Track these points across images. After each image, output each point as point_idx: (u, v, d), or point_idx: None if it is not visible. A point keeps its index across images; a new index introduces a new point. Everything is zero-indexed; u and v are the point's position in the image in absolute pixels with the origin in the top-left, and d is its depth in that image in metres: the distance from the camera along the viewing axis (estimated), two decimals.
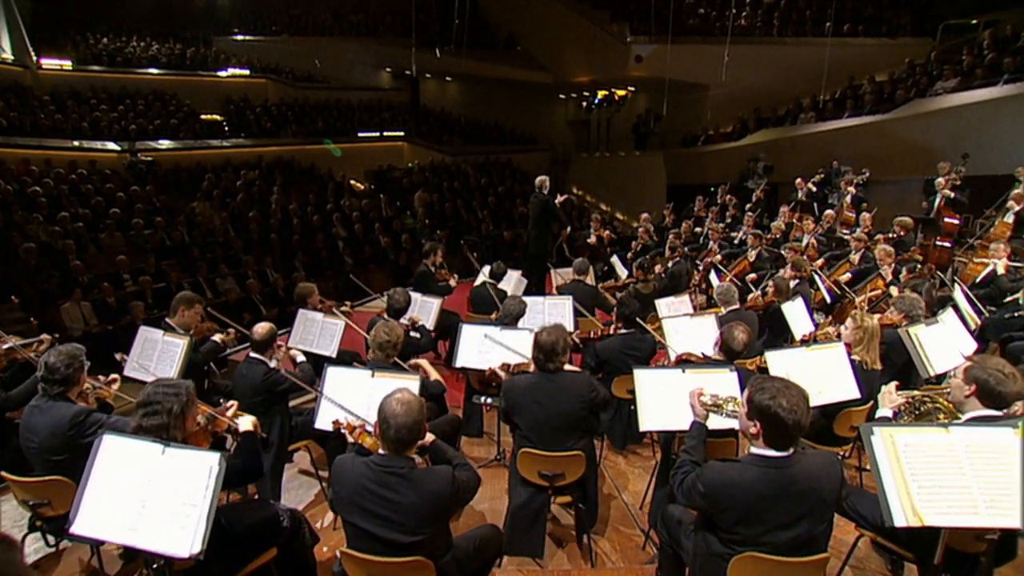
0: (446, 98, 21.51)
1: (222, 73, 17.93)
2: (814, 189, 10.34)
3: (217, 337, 4.26)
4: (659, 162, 15.66)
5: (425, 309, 5.54)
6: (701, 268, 7.81)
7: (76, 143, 12.40)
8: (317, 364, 4.73)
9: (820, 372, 3.21)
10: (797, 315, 4.82)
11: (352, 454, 2.25)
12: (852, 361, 3.29)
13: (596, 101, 18.50)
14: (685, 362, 3.52)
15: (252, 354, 3.74)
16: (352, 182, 15.74)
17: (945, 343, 3.86)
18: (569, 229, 7.92)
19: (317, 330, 4.72)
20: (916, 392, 2.65)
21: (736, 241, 8.56)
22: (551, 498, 3.16)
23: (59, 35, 16.16)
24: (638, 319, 4.34)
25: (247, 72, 18.41)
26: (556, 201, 7.44)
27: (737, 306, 4.77)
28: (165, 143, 13.91)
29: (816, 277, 6.22)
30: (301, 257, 11.04)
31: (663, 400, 3.02)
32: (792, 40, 14.11)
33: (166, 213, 11.12)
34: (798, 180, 10.50)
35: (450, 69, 19.80)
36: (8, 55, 14.12)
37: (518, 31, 19.21)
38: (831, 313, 6.38)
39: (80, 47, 16.15)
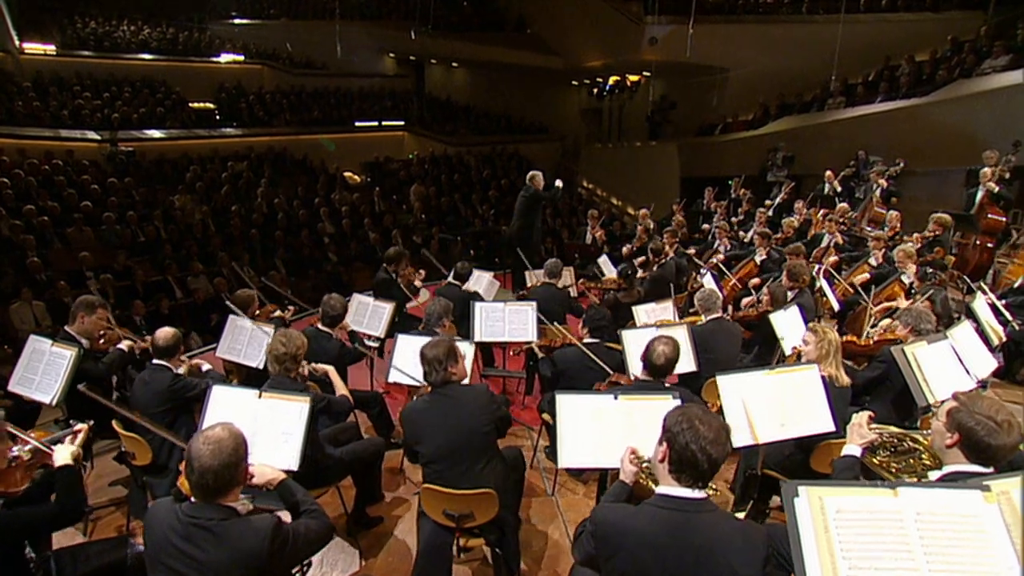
0: (452, 85, 21.23)
1: (216, 59, 17.94)
2: (839, 188, 9.78)
3: (124, 345, 4.04)
4: (673, 153, 15.14)
5: (376, 315, 5.27)
6: (705, 271, 7.38)
7: (53, 132, 12.41)
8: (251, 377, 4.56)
9: (786, 400, 2.82)
10: (789, 326, 4.42)
11: (170, 499, 1.98)
12: (826, 386, 2.89)
13: (607, 87, 18.02)
14: (616, 385, 3.17)
15: (155, 360, 3.52)
16: (347, 174, 15.58)
17: (952, 363, 3.44)
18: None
19: (246, 339, 4.49)
20: (893, 428, 2.27)
21: (747, 240, 8.10)
22: (456, 538, 2.86)
23: (45, 18, 16.30)
24: (619, 331, 4.05)
25: (241, 58, 18.39)
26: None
27: (719, 315, 4.39)
28: (149, 132, 13.89)
29: (824, 283, 5.77)
30: (282, 254, 10.88)
31: (589, 431, 2.69)
32: (822, 18, 13.45)
33: (143, 206, 11.06)
34: (828, 173, 9.97)
35: (456, 54, 19.55)
36: None
37: (528, 13, 18.84)
38: (843, 322, 5.93)
39: (67, 31, 16.27)
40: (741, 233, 8.32)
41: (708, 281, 6.20)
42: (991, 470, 1.92)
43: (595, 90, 19.11)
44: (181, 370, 3.53)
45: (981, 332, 4.29)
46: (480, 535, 2.87)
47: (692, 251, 7.59)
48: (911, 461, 2.18)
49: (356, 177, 16.07)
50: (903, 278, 5.49)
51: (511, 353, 5.04)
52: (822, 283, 5.78)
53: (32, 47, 14.85)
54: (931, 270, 5.26)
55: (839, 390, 3.15)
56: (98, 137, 12.87)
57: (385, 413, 4.65)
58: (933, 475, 2.01)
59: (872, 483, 1.69)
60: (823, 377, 2.97)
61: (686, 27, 13.48)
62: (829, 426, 2.85)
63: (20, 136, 11.84)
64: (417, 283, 6.22)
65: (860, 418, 2.32)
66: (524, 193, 7.67)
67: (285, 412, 2.86)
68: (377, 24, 19.41)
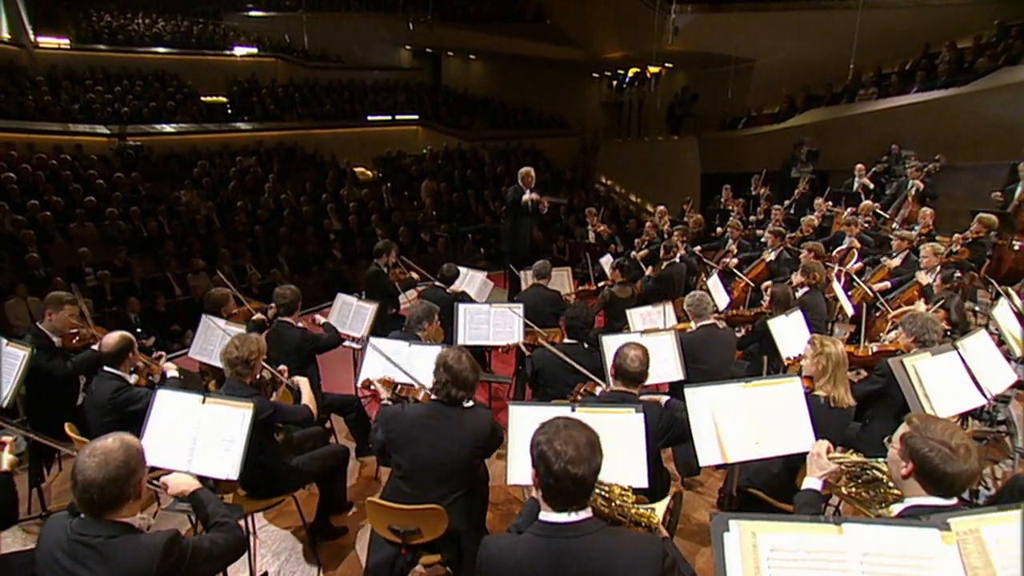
0: (470, 78, 21.18)
1: (229, 52, 18.14)
2: (871, 185, 9.42)
3: (97, 345, 4.02)
4: (694, 148, 14.84)
5: (359, 315, 5.21)
6: (715, 271, 7.18)
7: (62, 126, 12.67)
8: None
9: (762, 416, 2.66)
10: (790, 332, 4.22)
11: (66, 513, 1.91)
12: (808, 401, 2.71)
13: (627, 80, 17.75)
14: (590, 395, 3.03)
15: (106, 368, 3.49)
16: (358, 170, 15.63)
17: (961, 377, 3.22)
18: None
19: (217, 340, 4.45)
20: (854, 456, 2.10)
21: (762, 239, 7.85)
22: (409, 557, 2.76)
23: (61, 12, 16.69)
24: (601, 335, 3.90)
25: (255, 51, 18.57)
26: (527, 198, 6.92)
27: (710, 321, 4.21)
28: (159, 127, 14.10)
29: (837, 286, 5.53)
30: (285, 251, 10.93)
31: None
32: (855, 2, 12.99)
33: (149, 202, 11.21)
34: (859, 166, 9.62)
35: (473, 45, 19.47)
36: (4, 33, 14.62)
37: (547, 2, 18.67)
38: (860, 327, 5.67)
39: (81, 25, 16.62)
40: (759, 232, 8.04)
41: (714, 282, 6.01)
42: (953, 502, 1.75)
43: (614, 82, 18.86)
44: (132, 379, 3.47)
45: (1002, 342, 4.05)
46: (435, 551, 2.76)
47: (699, 249, 7.35)
48: (881, 491, 2.01)
49: (368, 172, 16.12)
50: (921, 280, 5.23)
51: (499, 351, 4.93)
52: (835, 286, 5.54)
53: (46, 41, 15.19)
54: (957, 273, 4.98)
55: (838, 411, 2.96)
56: (107, 131, 13.10)
57: (362, 417, 4.59)
58: (896, 508, 1.84)
59: (814, 518, 1.53)
60: (807, 392, 2.80)
61: (709, 16, 13.19)
62: (810, 445, 2.67)
63: (30, 130, 12.08)
64: (414, 275, 6.16)
65: (819, 448, 2.15)
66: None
67: (228, 419, 2.79)
68: (393, 16, 19.44)
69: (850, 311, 5.38)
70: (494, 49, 19.06)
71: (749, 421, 2.63)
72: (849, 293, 5.94)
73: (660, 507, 2.04)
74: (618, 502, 2.01)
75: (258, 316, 4.91)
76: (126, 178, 11.62)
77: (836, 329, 6.19)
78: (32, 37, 14.95)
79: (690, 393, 2.62)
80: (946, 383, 3.15)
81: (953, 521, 1.52)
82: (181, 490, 2.20)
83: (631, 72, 17.51)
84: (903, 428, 1.83)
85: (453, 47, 20.09)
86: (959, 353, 3.29)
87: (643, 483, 2.44)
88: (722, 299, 5.94)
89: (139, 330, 7.92)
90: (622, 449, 2.51)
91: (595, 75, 19.67)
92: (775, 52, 13.32)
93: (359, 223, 12.29)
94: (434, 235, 12.19)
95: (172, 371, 3.75)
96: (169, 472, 2.43)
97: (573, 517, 1.70)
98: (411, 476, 2.73)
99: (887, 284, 5.86)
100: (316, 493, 3.62)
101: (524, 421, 2.62)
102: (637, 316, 4.97)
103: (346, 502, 3.79)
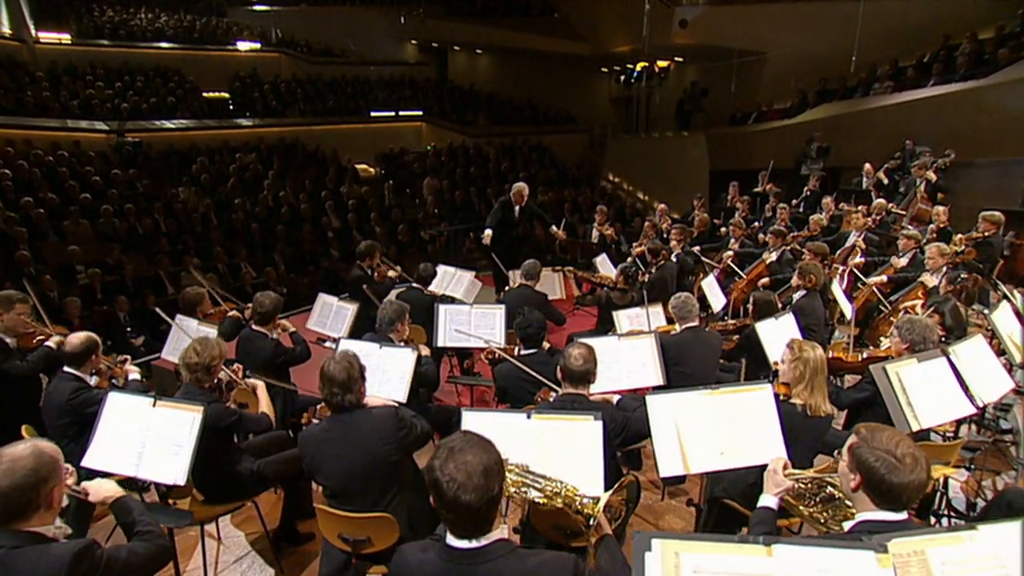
0: (477, 73, 21.14)
1: (232, 47, 18.25)
2: (885, 180, 9.24)
3: (52, 342, 4.02)
4: (702, 144, 14.68)
5: (340, 316, 5.18)
6: (715, 270, 7.07)
7: (60, 122, 12.79)
8: None
9: (729, 425, 2.58)
10: (779, 335, 4.11)
11: None
12: (784, 409, 2.63)
13: (635, 74, 17.60)
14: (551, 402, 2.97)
15: (65, 368, 3.48)
16: (361, 166, 15.65)
17: (949, 385, 3.11)
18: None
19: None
20: (810, 472, 2.03)
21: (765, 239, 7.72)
22: (361, 567, 2.72)
23: (63, 7, 16.88)
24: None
25: (259, 46, 18.67)
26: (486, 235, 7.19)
27: (695, 323, 4.12)
28: (159, 123, 14.20)
29: (836, 287, 5.42)
30: (281, 249, 10.96)
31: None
32: None
33: (145, 199, 11.29)
34: (867, 166, 9.45)
35: (479, 40, 19.44)
36: (5, 29, 14.80)
37: None
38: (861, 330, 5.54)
39: (83, 20, 16.79)
40: (760, 236, 7.91)
41: (710, 283, 5.92)
42: (903, 516, 1.68)
43: (622, 77, 18.72)
44: (92, 380, 3.47)
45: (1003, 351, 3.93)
46: (379, 562, 2.72)
47: (698, 249, 7.25)
48: (840, 509, 1.94)
49: (370, 169, 16.13)
50: (926, 281, 5.10)
51: (479, 359, 4.87)
52: (835, 288, 5.42)
53: (47, 36, 15.35)
54: (963, 275, 4.84)
55: (815, 420, 2.87)
56: (106, 128, 13.20)
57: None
58: (848, 525, 1.77)
59: (743, 538, 1.46)
60: (784, 400, 2.72)
61: (719, 8, 13.04)
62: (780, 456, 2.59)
63: (28, 127, 12.19)
64: (391, 274, 6.12)
65: (775, 464, 2.08)
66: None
67: (177, 422, 2.77)
68: (399, 10, 19.44)
69: (848, 314, 5.26)
70: (500, 43, 19.01)
71: (714, 430, 2.56)
72: (854, 294, 5.83)
73: (604, 497, 2.00)
74: (561, 500, 1.98)
75: (233, 314, 4.92)
76: (123, 175, 11.70)
77: (837, 332, 6.06)
78: (33, 32, 15.10)
79: (652, 400, 2.55)
80: (933, 391, 3.05)
81: (895, 543, 1.44)
82: (103, 497, 2.17)
83: (639, 66, 17.37)
84: (851, 439, 1.76)
85: (459, 41, 20.09)
86: (950, 359, 3.18)
87: (599, 492, 2.37)
88: (718, 301, 5.86)
89: (128, 329, 7.97)
90: (579, 457, 2.45)
91: (604, 70, 19.52)
92: (786, 45, 13.14)
93: (358, 221, 12.29)
94: (432, 234, 12.17)
95: (135, 374, 3.75)
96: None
97: (475, 544, 1.64)
98: (336, 494, 2.73)
99: (883, 279, 5.74)
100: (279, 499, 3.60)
101: (476, 428, 2.56)
102: (624, 318, 4.88)
103: (312, 507, 3.75)
